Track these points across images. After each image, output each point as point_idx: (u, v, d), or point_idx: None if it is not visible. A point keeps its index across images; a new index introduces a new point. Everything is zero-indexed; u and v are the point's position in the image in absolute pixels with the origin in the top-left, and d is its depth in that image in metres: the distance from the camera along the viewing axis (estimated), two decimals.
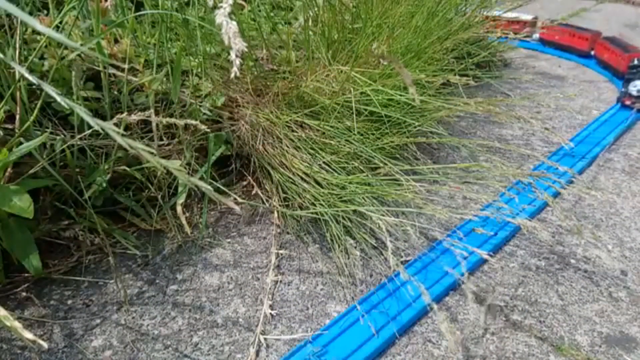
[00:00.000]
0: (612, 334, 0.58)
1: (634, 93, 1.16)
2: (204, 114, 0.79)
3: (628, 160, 0.99)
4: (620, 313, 0.61)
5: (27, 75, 0.28)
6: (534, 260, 0.70)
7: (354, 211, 0.67)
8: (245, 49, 0.28)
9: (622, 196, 0.87)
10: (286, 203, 0.75)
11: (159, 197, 0.71)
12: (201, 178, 0.73)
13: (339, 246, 0.68)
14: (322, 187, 0.71)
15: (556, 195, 0.82)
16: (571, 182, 0.89)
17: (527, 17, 1.73)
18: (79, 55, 0.66)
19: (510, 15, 1.72)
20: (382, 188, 0.69)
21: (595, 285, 0.66)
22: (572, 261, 0.70)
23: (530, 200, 0.81)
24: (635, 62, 1.23)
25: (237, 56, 0.28)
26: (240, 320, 0.58)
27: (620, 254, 0.72)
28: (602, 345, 0.57)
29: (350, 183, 0.70)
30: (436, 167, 0.81)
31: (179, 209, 0.67)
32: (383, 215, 0.61)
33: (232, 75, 0.28)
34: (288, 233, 0.73)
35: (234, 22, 0.29)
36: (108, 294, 0.61)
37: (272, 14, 1.09)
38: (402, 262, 0.67)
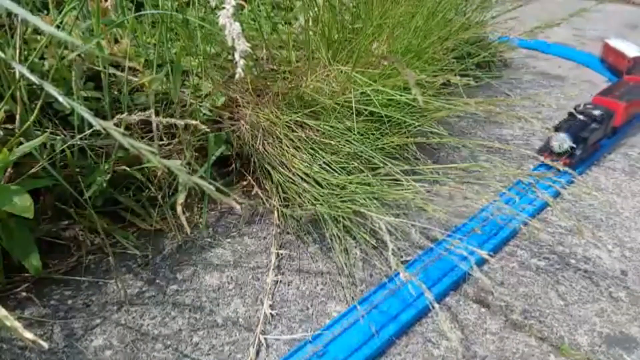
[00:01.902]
0: (612, 334, 0.58)
1: (556, 149, 0.90)
2: (204, 114, 0.79)
3: (628, 160, 0.99)
4: (620, 313, 0.61)
5: (28, 74, 0.28)
6: (534, 260, 0.70)
7: (354, 211, 0.67)
8: (250, 50, 0.28)
9: (622, 196, 0.87)
10: (286, 203, 0.75)
11: (159, 197, 0.71)
12: (201, 178, 0.73)
13: (339, 246, 0.68)
14: (322, 187, 0.71)
15: (556, 195, 0.82)
16: (571, 182, 0.89)
17: (636, 52, 1.35)
18: (79, 55, 0.66)
19: (613, 43, 1.42)
20: (383, 188, 0.69)
21: (595, 285, 0.66)
22: (572, 261, 0.70)
23: (530, 200, 0.81)
24: (581, 107, 0.97)
25: (241, 57, 0.28)
26: (240, 320, 0.58)
27: (620, 254, 0.72)
28: (602, 345, 0.57)
29: (350, 183, 0.70)
30: (436, 167, 0.81)
31: (179, 208, 0.67)
32: (383, 216, 0.60)
33: (237, 76, 0.28)
34: (288, 233, 0.73)
35: (237, 23, 0.29)
36: (108, 294, 0.61)
37: (272, 14, 1.09)
38: (402, 262, 0.67)
